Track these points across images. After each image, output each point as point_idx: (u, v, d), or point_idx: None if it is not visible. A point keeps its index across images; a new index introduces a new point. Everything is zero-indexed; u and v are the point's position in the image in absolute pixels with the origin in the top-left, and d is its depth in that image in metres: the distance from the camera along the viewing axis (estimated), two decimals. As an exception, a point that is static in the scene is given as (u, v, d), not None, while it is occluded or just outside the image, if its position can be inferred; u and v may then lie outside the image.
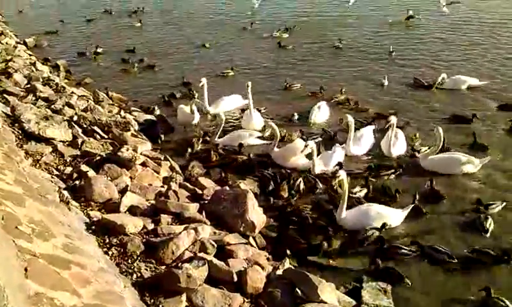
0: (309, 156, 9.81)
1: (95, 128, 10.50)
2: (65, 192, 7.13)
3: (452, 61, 16.53)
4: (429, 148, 10.10)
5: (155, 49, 19.57)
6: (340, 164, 9.65)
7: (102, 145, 9.59)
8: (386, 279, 6.75)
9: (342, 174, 8.16)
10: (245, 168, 10.10)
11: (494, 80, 14.28)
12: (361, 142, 10.64)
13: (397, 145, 10.24)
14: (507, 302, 6.32)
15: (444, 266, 7.21)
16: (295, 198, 8.88)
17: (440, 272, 7.13)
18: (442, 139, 9.82)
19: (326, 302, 5.67)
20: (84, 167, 8.05)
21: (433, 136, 10.05)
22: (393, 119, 10.05)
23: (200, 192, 8.50)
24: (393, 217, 8.12)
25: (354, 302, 6.21)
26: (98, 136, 10.28)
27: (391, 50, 17.49)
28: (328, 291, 5.83)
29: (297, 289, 5.81)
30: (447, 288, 6.83)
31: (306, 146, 9.47)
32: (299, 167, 9.92)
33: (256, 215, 7.61)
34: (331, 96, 13.58)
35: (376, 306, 6.15)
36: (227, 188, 8.37)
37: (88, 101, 12.72)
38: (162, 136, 11.62)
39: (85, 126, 10.48)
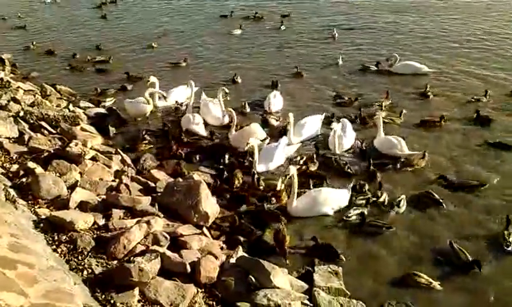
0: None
1: (43, 123, 10.23)
2: (11, 191, 6.94)
3: (404, 46, 16.97)
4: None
5: (115, 41, 19.13)
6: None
7: (50, 141, 9.35)
8: (323, 256, 7.05)
9: (292, 170, 8.29)
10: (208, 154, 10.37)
11: (443, 69, 14.69)
12: (302, 131, 10.84)
13: (344, 143, 10.35)
14: (425, 276, 6.66)
15: (390, 248, 7.46)
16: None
17: (385, 253, 7.36)
18: (381, 123, 10.44)
19: (278, 287, 5.79)
20: (31, 164, 7.85)
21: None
22: (334, 125, 10.25)
23: (153, 184, 8.45)
24: (342, 198, 8.37)
25: (306, 286, 6.34)
26: (46, 131, 10.02)
27: (334, 33, 17.94)
28: (281, 277, 5.95)
29: (250, 276, 5.89)
30: (392, 269, 7.03)
31: (247, 143, 9.55)
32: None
33: (210, 205, 7.64)
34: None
35: (327, 288, 6.30)
36: (180, 179, 8.33)
37: (34, 95, 12.36)
38: (114, 129, 11.42)
39: (32, 121, 10.20)
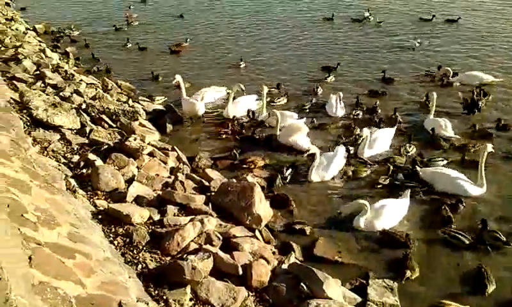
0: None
1: (103, 116, 10.47)
2: (72, 181, 7.13)
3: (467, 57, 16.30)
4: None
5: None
6: None
7: (110, 134, 9.55)
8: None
9: (366, 131, 9.83)
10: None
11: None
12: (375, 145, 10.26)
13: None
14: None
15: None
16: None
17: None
18: (434, 103, 11.50)
19: (331, 298, 5.63)
20: (91, 156, 8.04)
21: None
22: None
23: (207, 183, 8.46)
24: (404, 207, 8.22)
25: (359, 299, 6.14)
26: (106, 125, 10.26)
27: (416, 45, 17.09)
28: (334, 287, 5.79)
29: (302, 284, 5.76)
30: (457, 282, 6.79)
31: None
32: (298, 146, 10.28)
33: (263, 208, 7.57)
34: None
35: (381, 304, 6.07)
36: (234, 180, 8.30)
37: (96, 89, 12.70)
38: (171, 126, 11.57)
39: (93, 114, 10.46)
